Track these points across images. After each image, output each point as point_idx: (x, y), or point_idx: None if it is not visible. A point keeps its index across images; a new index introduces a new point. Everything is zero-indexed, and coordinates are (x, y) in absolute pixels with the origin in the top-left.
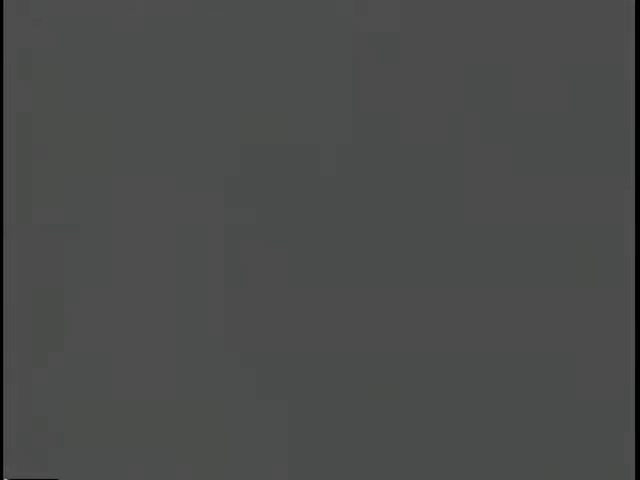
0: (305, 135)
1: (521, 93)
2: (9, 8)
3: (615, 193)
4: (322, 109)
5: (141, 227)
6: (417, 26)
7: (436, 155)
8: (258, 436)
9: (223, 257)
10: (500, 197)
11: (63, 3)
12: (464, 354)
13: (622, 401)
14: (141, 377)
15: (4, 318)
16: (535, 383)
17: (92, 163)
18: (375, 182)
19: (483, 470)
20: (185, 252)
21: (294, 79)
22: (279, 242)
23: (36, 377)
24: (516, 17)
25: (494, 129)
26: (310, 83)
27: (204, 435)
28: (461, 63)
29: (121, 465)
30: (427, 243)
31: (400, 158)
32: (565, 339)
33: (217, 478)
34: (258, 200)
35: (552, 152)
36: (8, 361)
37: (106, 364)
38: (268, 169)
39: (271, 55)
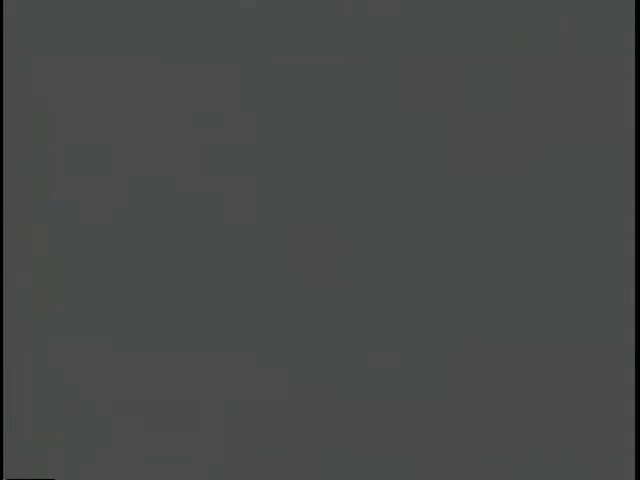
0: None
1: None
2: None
3: (615, 193)
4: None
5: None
6: None
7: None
8: None
9: None
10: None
11: None
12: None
13: (622, 401)
14: (140, 376)
15: (4, 317)
16: (534, 381)
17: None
18: None
19: (483, 470)
20: None
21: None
22: None
23: (36, 376)
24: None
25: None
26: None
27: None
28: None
29: (121, 465)
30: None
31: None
32: (563, 337)
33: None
34: None
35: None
36: (8, 360)
37: (105, 359)
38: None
39: None
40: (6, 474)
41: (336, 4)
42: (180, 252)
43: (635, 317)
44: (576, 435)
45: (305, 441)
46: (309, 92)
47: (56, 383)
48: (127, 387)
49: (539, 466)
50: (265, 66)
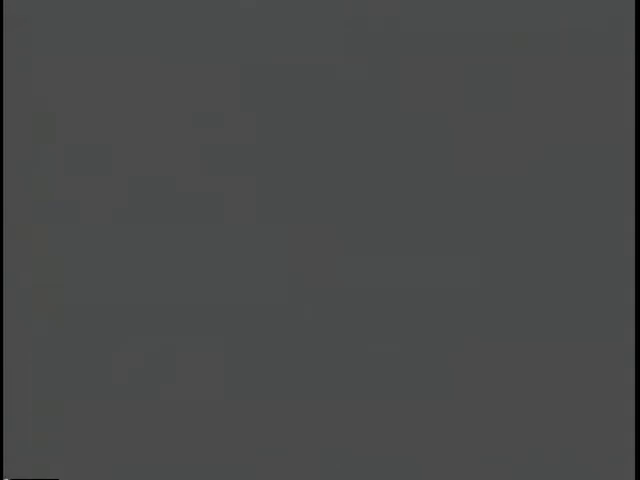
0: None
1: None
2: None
3: (615, 194)
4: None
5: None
6: None
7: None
8: None
9: None
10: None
11: None
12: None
13: (622, 401)
14: (140, 376)
15: (4, 317)
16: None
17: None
18: None
19: (483, 470)
20: None
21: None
22: None
23: (36, 376)
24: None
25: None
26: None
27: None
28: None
29: (121, 465)
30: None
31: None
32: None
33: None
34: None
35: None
36: (8, 360)
37: (106, 358)
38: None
39: None
40: (6, 474)
41: (336, 4)
42: (180, 252)
43: (635, 317)
44: (576, 435)
45: (305, 441)
46: (309, 92)
47: (56, 383)
48: (126, 387)
49: (539, 466)
50: (265, 66)
